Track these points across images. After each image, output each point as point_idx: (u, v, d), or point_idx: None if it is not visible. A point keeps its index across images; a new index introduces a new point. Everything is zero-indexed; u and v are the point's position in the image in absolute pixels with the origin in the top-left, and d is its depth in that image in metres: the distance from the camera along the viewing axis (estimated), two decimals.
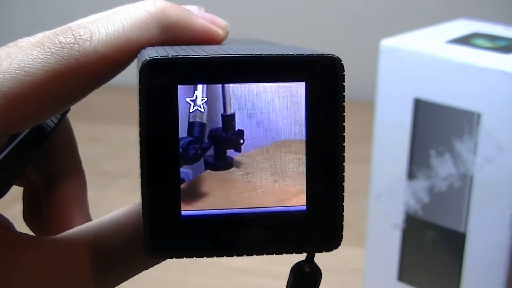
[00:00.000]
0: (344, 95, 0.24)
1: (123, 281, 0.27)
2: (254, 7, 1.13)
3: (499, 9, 1.05)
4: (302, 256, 0.27)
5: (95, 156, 0.87)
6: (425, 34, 0.55)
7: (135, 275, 0.27)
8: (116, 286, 0.27)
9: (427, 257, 0.54)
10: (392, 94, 0.53)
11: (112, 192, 0.78)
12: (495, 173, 0.49)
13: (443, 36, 0.54)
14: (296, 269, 0.27)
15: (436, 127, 0.51)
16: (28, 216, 0.33)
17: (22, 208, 0.34)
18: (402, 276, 0.56)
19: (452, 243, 0.52)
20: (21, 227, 0.28)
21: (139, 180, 0.24)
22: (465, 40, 0.53)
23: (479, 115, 0.48)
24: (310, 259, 0.27)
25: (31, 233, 0.31)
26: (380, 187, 0.55)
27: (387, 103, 0.53)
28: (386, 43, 0.52)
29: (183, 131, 0.23)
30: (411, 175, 0.53)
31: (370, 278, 0.58)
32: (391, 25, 1.06)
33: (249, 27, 1.05)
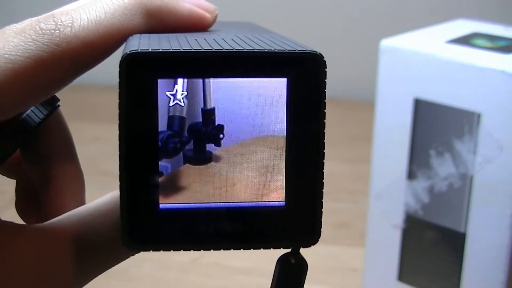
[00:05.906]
0: (325, 92, 0.24)
1: (106, 270, 0.26)
2: (254, 7, 1.13)
3: (499, 9, 1.05)
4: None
5: (96, 156, 0.87)
6: (425, 34, 0.55)
7: (117, 263, 0.27)
8: (97, 275, 0.26)
9: (427, 257, 0.54)
10: (392, 94, 0.53)
11: None
12: (495, 173, 0.49)
13: (443, 36, 0.54)
14: (282, 261, 0.26)
15: (436, 127, 0.51)
16: (21, 207, 0.33)
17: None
18: (402, 276, 0.56)
19: (452, 243, 0.52)
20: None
21: (118, 172, 0.24)
22: (465, 40, 0.53)
23: (479, 115, 0.48)
24: (295, 251, 0.26)
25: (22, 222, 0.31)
26: (380, 187, 0.55)
27: (387, 103, 0.53)
28: (386, 43, 0.52)
29: (162, 125, 0.23)
30: (411, 175, 0.53)
31: (370, 278, 0.58)
32: (391, 25, 1.06)
33: None
